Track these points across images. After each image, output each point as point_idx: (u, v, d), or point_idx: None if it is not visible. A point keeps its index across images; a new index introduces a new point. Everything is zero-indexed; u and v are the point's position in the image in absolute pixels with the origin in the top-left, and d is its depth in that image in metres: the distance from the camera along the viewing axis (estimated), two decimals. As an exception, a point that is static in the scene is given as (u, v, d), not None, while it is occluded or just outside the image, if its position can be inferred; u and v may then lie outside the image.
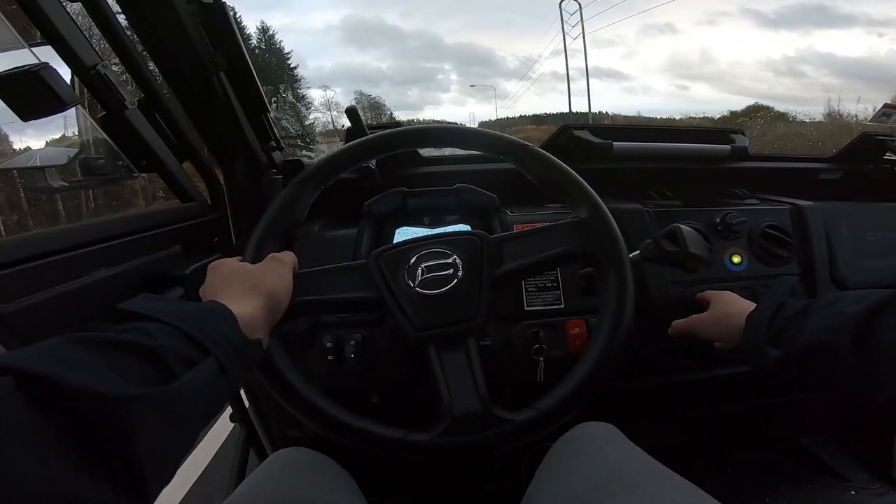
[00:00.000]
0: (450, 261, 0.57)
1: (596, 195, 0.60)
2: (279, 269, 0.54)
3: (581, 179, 0.61)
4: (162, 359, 0.34)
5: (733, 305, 0.68)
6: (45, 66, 0.52)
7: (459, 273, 0.57)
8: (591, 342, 0.56)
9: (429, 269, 0.57)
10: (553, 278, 0.80)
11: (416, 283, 0.56)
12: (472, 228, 0.87)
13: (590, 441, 0.59)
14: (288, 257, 0.56)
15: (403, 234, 0.87)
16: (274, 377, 0.54)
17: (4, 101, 0.54)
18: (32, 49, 0.58)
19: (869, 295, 0.48)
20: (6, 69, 0.52)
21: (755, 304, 0.64)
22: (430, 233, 0.86)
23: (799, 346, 0.52)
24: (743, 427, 1.16)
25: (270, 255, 0.56)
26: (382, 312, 0.57)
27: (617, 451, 0.56)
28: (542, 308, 0.79)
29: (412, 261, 0.58)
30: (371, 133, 0.71)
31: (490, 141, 0.64)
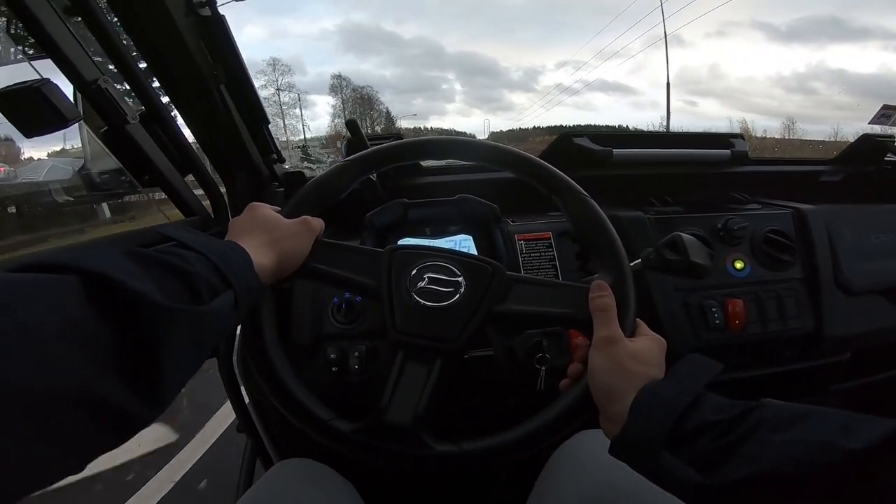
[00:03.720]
0: (455, 279, 0.57)
1: (627, 266, 0.57)
2: (304, 233, 0.56)
3: (619, 242, 0.59)
4: (195, 283, 0.37)
5: (644, 362, 0.49)
6: (47, 82, 0.53)
7: (459, 294, 0.56)
8: (553, 403, 0.54)
9: (432, 280, 0.57)
10: None
11: (415, 288, 0.56)
12: (473, 239, 0.87)
13: (588, 450, 0.59)
14: (317, 224, 0.58)
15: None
16: (253, 329, 0.55)
17: (6, 117, 0.55)
18: (34, 63, 0.59)
19: (853, 425, 0.34)
20: (8, 84, 0.52)
21: (662, 372, 0.49)
22: (432, 244, 0.86)
23: (745, 477, 0.36)
24: None
25: (304, 216, 0.58)
26: (376, 301, 0.58)
27: (614, 460, 0.56)
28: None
29: (419, 267, 0.58)
30: (372, 144, 0.71)
31: (544, 175, 0.63)
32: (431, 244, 0.86)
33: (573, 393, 0.53)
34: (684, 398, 0.42)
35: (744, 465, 0.36)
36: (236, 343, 0.92)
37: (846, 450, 0.32)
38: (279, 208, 0.59)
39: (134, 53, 0.65)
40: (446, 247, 0.86)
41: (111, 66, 0.65)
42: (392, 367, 0.55)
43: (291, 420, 0.55)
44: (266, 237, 0.52)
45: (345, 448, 0.53)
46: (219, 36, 0.69)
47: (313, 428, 0.54)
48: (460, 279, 0.57)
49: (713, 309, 0.82)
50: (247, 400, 1.01)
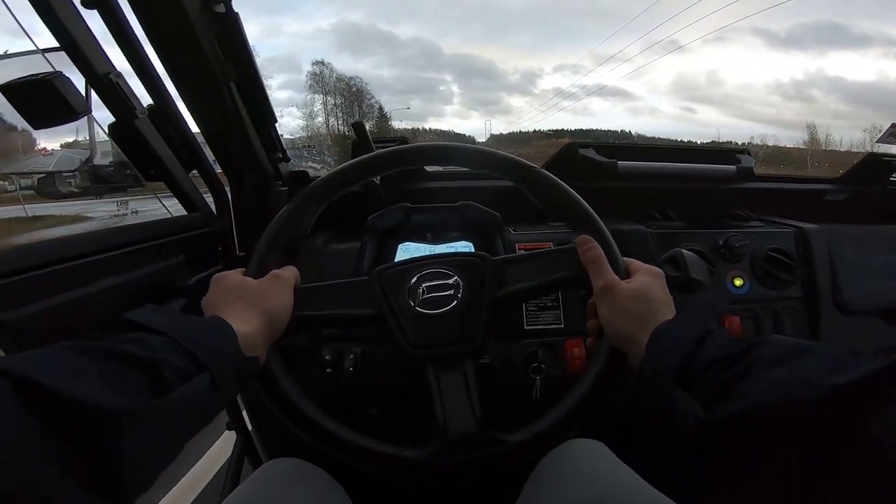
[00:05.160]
0: (451, 281, 0.57)
1: (598, 220, 0.59)
2: (280, 286, 0.54)
3: (585, 204, 0.61)
4: (157, 371, 0.35)
5: (645, 299, 0.50)
6: (59, 75, 0.53)
7: (460, 294, 0.56)
8: (589, 363, 0.55)
9: (430, 288, 0.57)
10: (553, 298, 0.80)
11: (417, 302, 0.56)
12: (474, 246, 0.87)
13: (578, 459, 0.59)
14: (289, 273, 0.57)
15: (406, 249, 0.87)
16: (274, 392, 0.54)
17: (17, 109, 0.55)
18: (46, 55, 0.59)
19: (845, 362, 0.33)
20: (21, 76, 0.53)
21: (673, 312, 0.50)
22: (432, 249, 0.86)
23: (738, 412, 0.36)
24: None
25: (272, 272, 0.56)
26: (381, 329, 0.57)
27: (604, 469, 0.56)
28: (541, 327, 0.79)
29: (413, 280, 0.58)
30: (378, 147, 0.71)
31: (495, 161, 0.64)
32: (432, 250, 0.86)
33: (606, 347, 0.54)
34: (693, 336, 0.43)
35: (738, 401, 0.37)
36: None
37: (830, 386, 0.32)
38: (243, 269, 0.58)
39: (148, 47, 0.65)
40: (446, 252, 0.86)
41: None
42: (428, 383, 0.55)
43: (359, 465, 0.54)
44: (244, 303, 0.50)
45: (425, 475, 0.54)
46: (232, 33, 0.69)
47: (384, 465, 0.54)
48: (456, 279, 0.58)
49: (711, 325, 0.82)
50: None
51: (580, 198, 0.61)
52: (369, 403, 0.79)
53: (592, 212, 0.60)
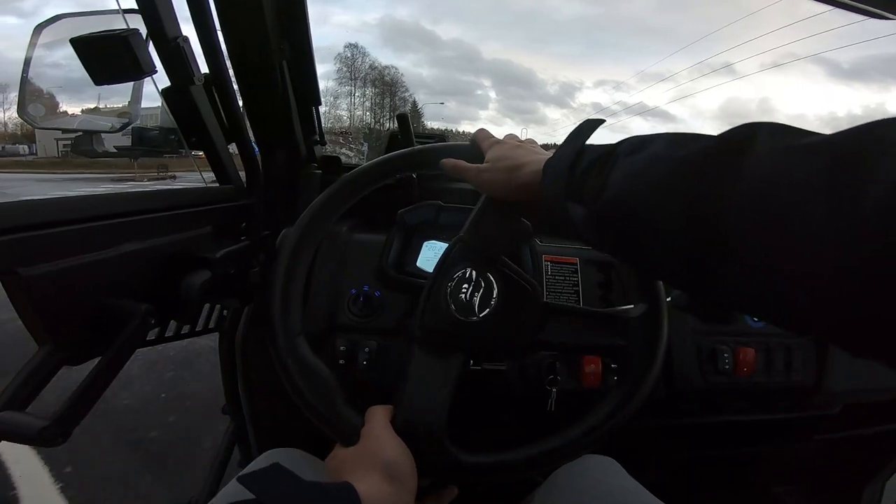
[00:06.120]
0: (468, 274, 0.57)
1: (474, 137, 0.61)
2: (377, 435, 0.49)
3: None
4: None
5: (500, 159, 0.53)
6: (135, 33, 0.52)
7: (491, 278, 0.57)
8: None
9: (472, 293, 0.56)
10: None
11: (478, 312, 0.56)
12: None
13: (589, 474, 0.59)
14: (374, 418, 0.52)
15: (430, 247, 0.87)
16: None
17: (83, 62, 0.55)
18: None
19: (686, 140, 0.34)
20: (97, 31, 0.52)
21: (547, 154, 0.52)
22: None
23: (604, 203, 0.37)
24: (719, 473, 1.18)
25: (361, 432, 0.52)
26: (490, 356, 0.59)
27: (619, 485, 0.57)
28: (560, 340, 0.79)
29: (458, 300, 0.57)
30: (418, 143, 0.71)
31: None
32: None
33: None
34: (570, 156, 0.44)
35: (605, 192, 0.37)
36: (242, 320, 0.92)
37: (675, 157, 0.33)
38: (336, 446, 0.56)
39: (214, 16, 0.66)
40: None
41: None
42: (554, 352, 0.59)
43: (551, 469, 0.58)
44: (359, 472, 0.46)
45: (598, 444, 0.57)
46: (295, 13, 0.70)
47: (570, 453, 0.57)
48: (470, 270, 0.58)
49: (724, 354, 0.84)
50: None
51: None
52: (377, 401, 0.78)
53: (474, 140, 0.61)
